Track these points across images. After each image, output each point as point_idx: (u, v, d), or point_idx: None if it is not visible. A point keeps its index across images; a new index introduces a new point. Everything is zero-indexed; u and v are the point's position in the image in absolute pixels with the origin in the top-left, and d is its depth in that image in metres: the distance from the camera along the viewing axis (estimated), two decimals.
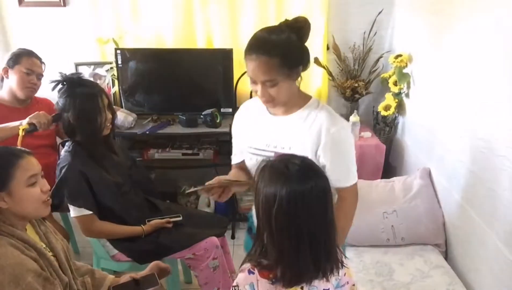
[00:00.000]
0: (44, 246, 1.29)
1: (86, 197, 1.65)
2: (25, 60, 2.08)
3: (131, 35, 2.64)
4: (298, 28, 1.18)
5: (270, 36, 1.17)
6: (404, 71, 2.37)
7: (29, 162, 1.23)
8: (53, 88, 1.71)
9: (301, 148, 1.25)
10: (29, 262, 1.15)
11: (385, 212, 2.00)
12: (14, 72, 2.07)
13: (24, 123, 1.79)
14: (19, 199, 1.19)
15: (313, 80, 2.74)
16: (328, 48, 2.65)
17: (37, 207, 1.24)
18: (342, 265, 1.03)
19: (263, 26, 1.22)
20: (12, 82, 2.08)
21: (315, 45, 2.61)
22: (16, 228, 1.20)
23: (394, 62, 2.37)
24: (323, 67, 2.59)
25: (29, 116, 1.80)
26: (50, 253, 1.29)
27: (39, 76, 2.13)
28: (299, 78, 1.23)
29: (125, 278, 1.44)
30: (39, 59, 2.15)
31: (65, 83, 1.69)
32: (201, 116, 2.52)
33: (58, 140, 2.24)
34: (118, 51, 2.52)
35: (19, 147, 1.31)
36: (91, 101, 1.66)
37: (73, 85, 1.68)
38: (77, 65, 2.68)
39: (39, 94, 2.21)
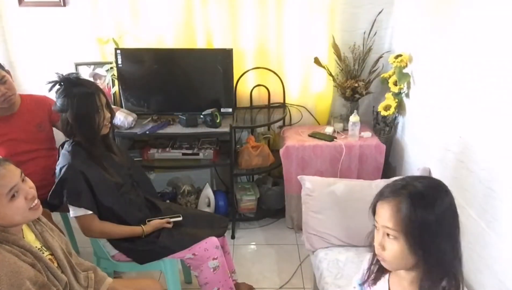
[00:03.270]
0: (40, 246, 1.28)
1: (86, 197, 1.65)
2: None
3: (131, 35, 2.64)
4: None
5: None
6: (404, 71, 2.37)
7: (6, 173, 1.15)
8: (50, 89, 1.71)
9: None
10: (25, 269, 1.14)
11: None
12: None
13: None
14: (4, 214, 1.15)
15: (314, 80, 2.74)
16: None
17: (25, 215, 1.20)
18: None
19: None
20: None
21: (317, 45, 2.62)
22: (12, 233, 1.18)
23: (394, 62, 2.37)
24: (323, 67, 2.59)
25: None
26: (47, 253, 1.28)
27: (2, 80, 1.94)
28: None
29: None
30: None
31: (62, 83, 1.69)
32: (201, 116, 2.52)
33: (58, 142, 2.24)
34: (118, 51, 2.52)
35: None
36: (88, 100, 1.66)
37: (70, 85, 1.68)
38: (77, 65, 2.68)
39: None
